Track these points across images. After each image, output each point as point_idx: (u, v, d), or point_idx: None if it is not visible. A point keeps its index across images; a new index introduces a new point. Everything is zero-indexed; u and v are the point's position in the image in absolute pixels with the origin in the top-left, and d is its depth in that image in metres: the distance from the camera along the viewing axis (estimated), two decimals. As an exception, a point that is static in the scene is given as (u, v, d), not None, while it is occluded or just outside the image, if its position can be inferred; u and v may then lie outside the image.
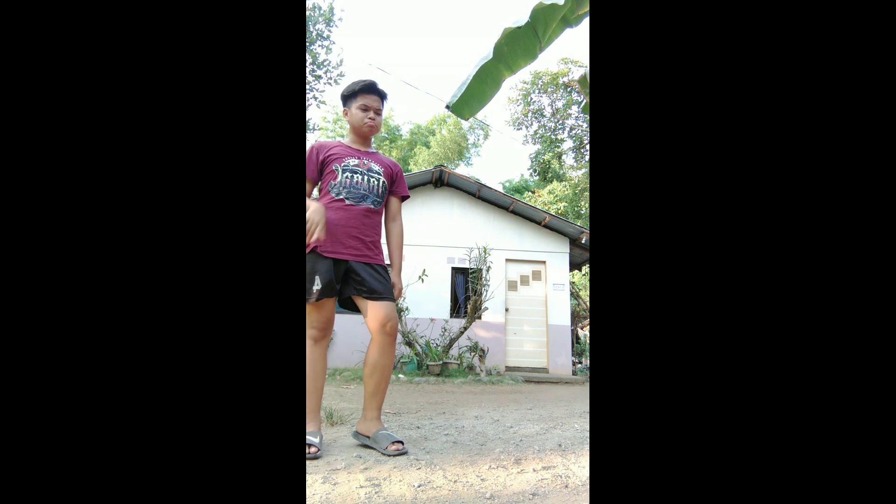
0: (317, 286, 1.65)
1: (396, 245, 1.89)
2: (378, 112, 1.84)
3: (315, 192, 1.87)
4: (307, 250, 1.69)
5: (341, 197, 1.73)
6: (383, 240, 1.86)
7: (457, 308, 7.67)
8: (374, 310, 1.69)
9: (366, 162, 1.81)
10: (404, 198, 1.92)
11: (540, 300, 7.82)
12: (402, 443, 1.61)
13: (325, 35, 12.18)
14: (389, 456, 1.55)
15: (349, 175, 1.75)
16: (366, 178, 1.77)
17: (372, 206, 1.77)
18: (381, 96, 1.85)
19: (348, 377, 5.27)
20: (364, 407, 1.74)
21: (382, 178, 1.81)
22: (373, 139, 1.93)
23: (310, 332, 1.70)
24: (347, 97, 1.85)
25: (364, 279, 1.70)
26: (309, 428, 1.61)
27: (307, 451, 1.48)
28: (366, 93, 1.82)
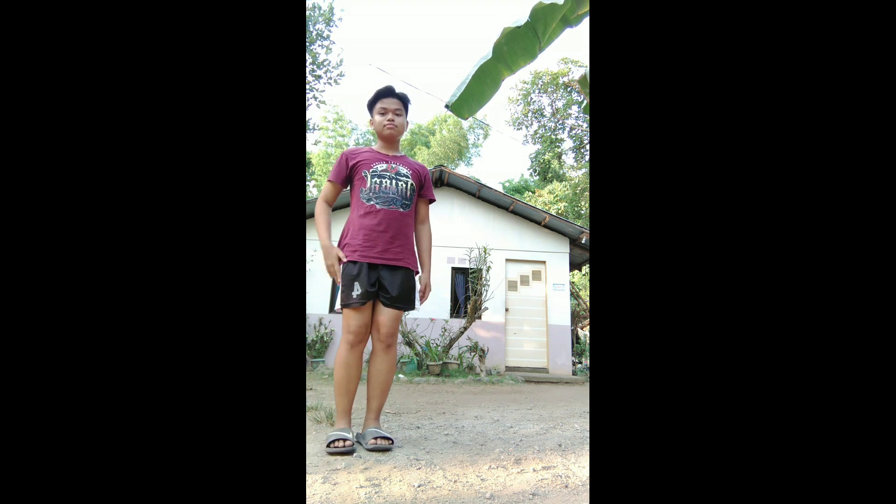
0: (356, 291, 1.71)
1: (426, 249, 1.95)
2: (397, 113, 1.89)
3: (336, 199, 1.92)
4: (350, 258, 1.76)
5: (372, 203, 1.79)
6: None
7: (457, 308, 7.66)
8: (378, 315, 1.77)
9: (394, 166, 1.86)
10: (431, 200, 1.98)
11: (540, 300, 7.81)
12: (388, 439, 1.64)
13: (325, 35, 12.18)
14: (369, 451, 1.59)
15: (378, 180, 1.81)
16: (394, 181, 1.83)
17: (401, 210, 1.82)
18: (400, 98, 1.91)
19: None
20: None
21: (411, 181, 1.86)
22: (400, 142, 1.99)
23: (346, 337, 1.74)
24: (370, 106, 1.93)
25: (388, 286, 1.76)
26: (340, 425, 1.68)
27: (343, 444, 1.54)
28: (383, 97, 1.89)
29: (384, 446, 1.61)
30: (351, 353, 1.73)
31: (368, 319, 1.75)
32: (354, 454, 1.55)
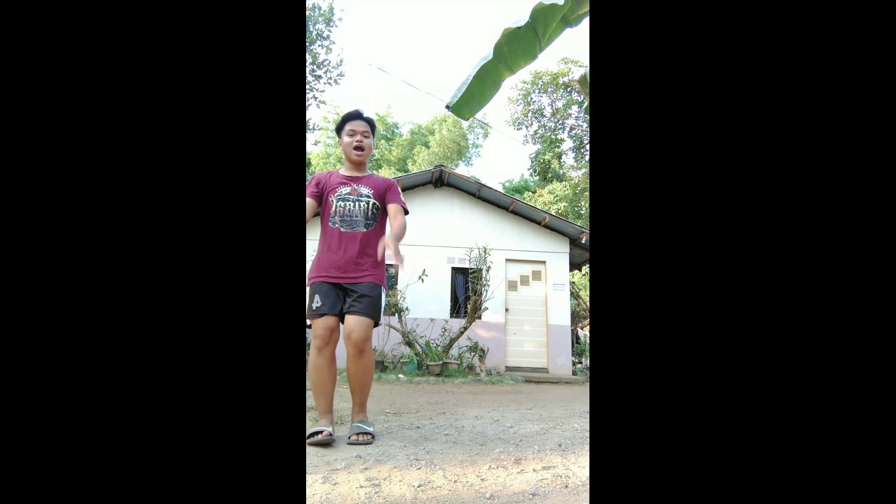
0: (316, 304, 1.82)
1: (398, 225, 1.88)
2: (365, 135, 1.96)
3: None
4: (312, 280, 1.87)
5: (336, 226, 1.91)
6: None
7: (457, 308, 7.66)
8: (345, 322, 1.85)
9: (356, 188, 1.95)
10: (402, 208, 1.96)
11: (540, 300, 7.81)
12: (369, 434, 1.76)
13: (325, 35, 12.18)
14: (350, 445, 1.71)
15: (342, 204, 1.92)
16: (357, 204, 1.93)
17: (364, 230, 1.91)
18: (367, 121, 1.99)
19: (346, 378, 5.26)
20: None
21: (372, 200, 1.95)
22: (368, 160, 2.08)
23: (314, 342, 1.83)
24: (338, 129, 2.01)
25: (353, 293, 1.86)
26: (322, 423, 1.79)
27: (321, 435, 1.64)
28: (351, 119, 1.98)
29: (364, 441, 1.73)
30: (318, 357, 1.82)
31: (332, 324, 1.83)
32: (333, 444, 1.68)
